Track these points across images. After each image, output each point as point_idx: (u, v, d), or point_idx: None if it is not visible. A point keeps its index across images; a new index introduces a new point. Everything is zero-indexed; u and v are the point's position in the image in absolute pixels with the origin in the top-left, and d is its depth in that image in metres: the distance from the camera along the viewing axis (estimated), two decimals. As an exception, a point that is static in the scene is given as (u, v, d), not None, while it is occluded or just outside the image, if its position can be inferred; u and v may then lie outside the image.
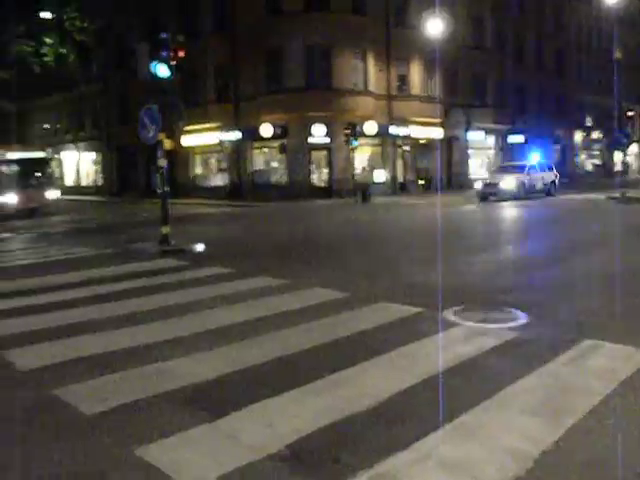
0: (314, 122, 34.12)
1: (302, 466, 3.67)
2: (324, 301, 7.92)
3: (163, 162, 14.21)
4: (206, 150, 40.51)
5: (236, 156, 37.88)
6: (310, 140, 34.72)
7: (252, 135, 35.86)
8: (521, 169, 31.11)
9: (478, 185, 30.73)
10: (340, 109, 34.29)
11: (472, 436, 3.95)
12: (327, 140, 34.72)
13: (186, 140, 38.70)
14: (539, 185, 31.20)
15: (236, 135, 37.03)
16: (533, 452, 3.72)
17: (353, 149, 33.98)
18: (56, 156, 50.25)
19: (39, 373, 5.47)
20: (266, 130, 34.70)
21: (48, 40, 38.21)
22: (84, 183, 54.56)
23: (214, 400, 4.71)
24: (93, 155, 53.07)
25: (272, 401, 4.62)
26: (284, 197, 33.29)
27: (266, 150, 37.42)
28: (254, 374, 5.25)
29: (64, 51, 39.02)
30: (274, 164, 37.22)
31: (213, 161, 41.27)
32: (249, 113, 35.80)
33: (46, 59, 38.75)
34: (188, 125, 35.73)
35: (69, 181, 55.65)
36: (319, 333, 6.41)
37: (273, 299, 8.17)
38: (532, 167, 31.38)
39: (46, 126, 56.99)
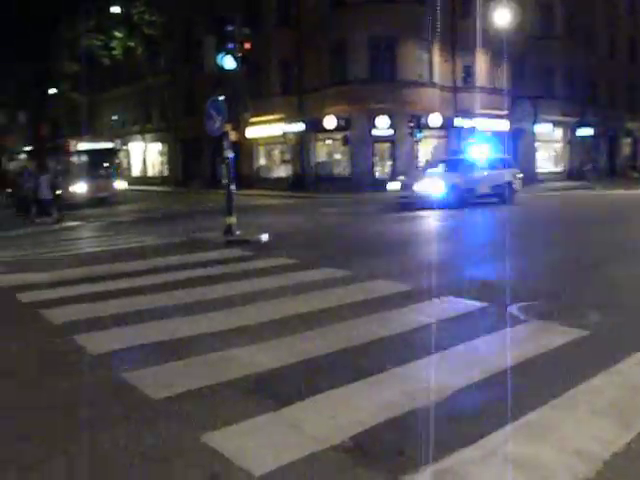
0: (378, 114, 33.95)
1: (366, 458, 3.66)
2: (388, 294, 7.87)
3: (229, 153, 14.36)
4: (270, 142, 40.81)
5: (299, 148, 38.05)
6: (373, 132, 34.57)
7: (315, 127, 35.94)
8: (454, 166, 23.50)
9: (393, 186, 24.04)
10: (404, 101, 34.01)
11: (539, 435, 3.86)
12: (391, 132, 34.50)
13: (250, 132, 39.07)
14: (484, 188, 23.07)
15: (300, 127, 37.18)
16: (603, 454, 3.61)
17: (417, 141, 33.67)
18: (124, 147, 51.44)
19: (108, 357, 5.61)
20: (329, 122, 34.71)
21: (117, 34, 39.15)
22: (150, 174, 55.71)
23: (278, 389, 4.74)
24: (159, 146, 54.12)
25: (336, 392, 4.62)
26: (346, 189, 33.26)
27: (329, 142, 37.44)
28: (318, 365, 5.26)
29: (132, 44, 39.92)
30: (337, 156, 37.22)
31: (276, 153, 41.56)
32: (313, 105, 35.88)
33: (115, 52, 39.72)
34: (253, 117, 36.08)
35: (136, 171, 56.92)
36: (383, 325, 6.37)
37: (337, 290, 8.16)
38: (472, 164, 23.38)
39: (114, 117, 58.38)
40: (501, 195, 23.44)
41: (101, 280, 9.39)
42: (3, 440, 4.04)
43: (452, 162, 24.45)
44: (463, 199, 21.73)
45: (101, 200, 29.40)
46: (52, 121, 59.15)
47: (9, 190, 28.80)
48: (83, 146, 30.82)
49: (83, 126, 51.95)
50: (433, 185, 21.73)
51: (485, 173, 23.15)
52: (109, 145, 32.75)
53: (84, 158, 30.16)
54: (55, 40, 46.14)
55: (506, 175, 24.00)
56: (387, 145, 35.43)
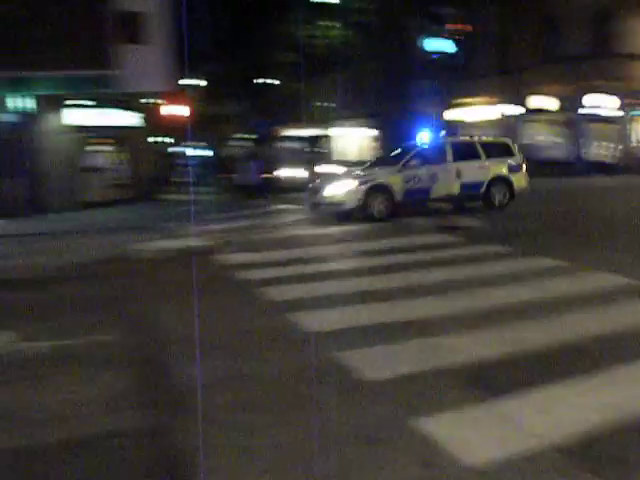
0: (594, 92, 31.73)
1: (586, 462, 3.42)
2: (611, 288, 7.28)
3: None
4: (478, 124, 39.77)
5: (508, 129, 36.74)
6: (589, 112, 32.39)
7: (525, 108, 34.47)
8: (395, 158, 16.29)
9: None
10: (622, 77, 31.41)
11: None
12: (611, 112, 32.10)
13: (458, 113, 38.33)
14: (448, 188, 15.65)
15: (509, 108, 35.86)
16: None
17: (633, 121, 31.05)
18: (332, 132, 52.92)
19: (321, 336, 5.80)
20: (540, 102, 33.11)
21: (330, 23, 40.28)
22: (360, 158, 56.71)
23: (490, 380, 4.61)
24: (368, 131, 54.95)
25: (551, 388, 4.39)
26: (560, 173, 31.52)
27: (539, 123, 35.72)
28: (534, 357, 5.04)
29: (345, 32, 40.84)
30: (548, 138, 35.42)
31: (486, 135, 40.43)
32: (522, 85, 34.40)
33: (328, 41, 40.91)
34: (461, 98, 35.40)
35: (345, 156, 58.24)
36: (604, 322, 5.94)
37: (553, 281, 7.73)
38: (420, 153, 15.84)
39: (324, 104, 60.12)
40: (486, 196, 16.09)
41: (314, 261, 9.78)
42: (230, 408, 4.34)
43: (400, 152, 16.86)
44: (397, 207, 15.11)
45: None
46: (265, 109, 62.39)
47: (228, 175, 30.89)
48: (292, 132, 32.22)
49: (298, 113, 54.22)
50: (345, 189, 15.03)
51: (452, 166, 15.72)
52: (317, 131, 33.94)
53: (293, 144, 31.50)
54: (271, 31, 48.45)
55: (494, 167, 16.22)
56: (607, 126, 33.00)
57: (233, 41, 47.02)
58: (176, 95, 26.16)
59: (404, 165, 15.42)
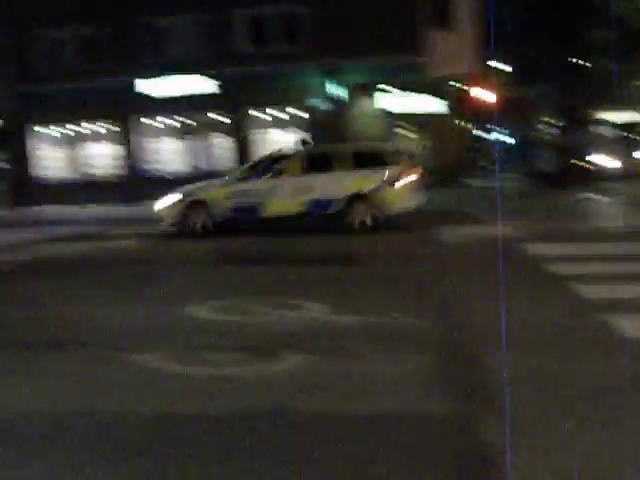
0: None
1: None
2: None
3: None
4: None
5: None
6: None
7: None
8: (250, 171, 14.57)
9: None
10: None
11: None
12: None
13: None
14: (285, 205, 13.51)
15: None
16: None
17: None
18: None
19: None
20: None
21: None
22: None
23: None
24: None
25: None
26: None
27: None
28: None
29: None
30: None
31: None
32: None
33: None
34: None
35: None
36: None
37: None
38: (262, 164, 14.47)
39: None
40: (341, 217, 13.51)
41: (632, 260, 8.89)
42: (534, 408, 4.05)
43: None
44: (218, 225, 13.75)
45: (625, 173, 28.06)
46: (574, 92, 58.93)
47: (531, 161, 29.89)
48: (604, 117, 30.19)
49: (607, 96, 50.57)
50: (165, 202, 14.37)
51: (294, 180, 13.65)
52: (632, 116, 31.38)
53: (605, 130, 29.49)
54: (585, 6, 45.55)
55: (355, 181, 13.51)
56: None
57: (542, 21, 45.19)
58: (482, 79, 25.92)
59: (239, 178, 14.25)
